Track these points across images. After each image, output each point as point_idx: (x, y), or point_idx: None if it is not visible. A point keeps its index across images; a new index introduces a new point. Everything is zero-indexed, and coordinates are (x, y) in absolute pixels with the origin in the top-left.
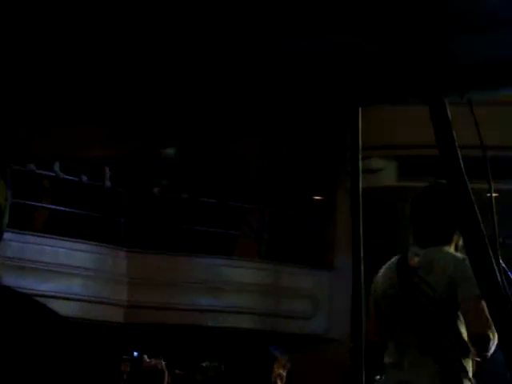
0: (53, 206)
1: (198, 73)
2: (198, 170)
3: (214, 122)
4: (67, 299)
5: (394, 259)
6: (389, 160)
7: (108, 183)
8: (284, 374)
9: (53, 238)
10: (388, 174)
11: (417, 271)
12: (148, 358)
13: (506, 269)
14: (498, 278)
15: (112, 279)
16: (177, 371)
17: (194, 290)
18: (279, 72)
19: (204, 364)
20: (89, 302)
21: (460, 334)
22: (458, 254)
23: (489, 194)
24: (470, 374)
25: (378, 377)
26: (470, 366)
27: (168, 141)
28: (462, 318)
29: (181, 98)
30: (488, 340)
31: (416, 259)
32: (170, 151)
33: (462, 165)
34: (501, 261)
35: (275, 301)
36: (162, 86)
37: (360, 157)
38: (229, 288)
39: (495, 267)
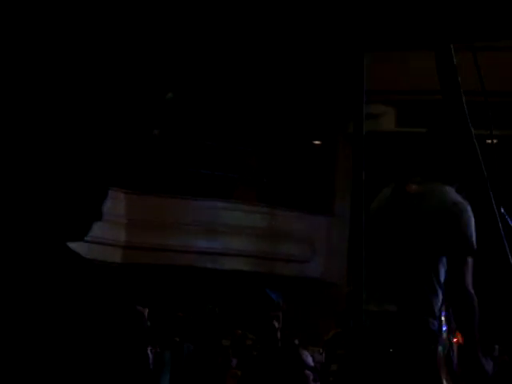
0: None
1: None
2: (198, 112)
3: (220, 64)
4: None
5: (390, 185)
6: (388, 105)
7: None
8: (280, 314)
9: None
10: (387, 120)
11: (413, 198)
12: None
13: (506, 214)
14: (499, 223)
15: (111, 220)
16: (180, 314)
17: (192, 231)
18: (287, 12)
19: (199, 306)
20: (87, 242)
21: (437, 274)
22: (460, 198)
23: (490, 141)
24: (440, 318)
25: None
26: (438, 306)
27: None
28: (444, 261)
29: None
30: (468, 297)
31: (415, 187)
32: (169, 94)
33: (466, 110)
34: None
35: (273, 244)
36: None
37: (364, 101)
38: (227, 230)
39: (496, 212)
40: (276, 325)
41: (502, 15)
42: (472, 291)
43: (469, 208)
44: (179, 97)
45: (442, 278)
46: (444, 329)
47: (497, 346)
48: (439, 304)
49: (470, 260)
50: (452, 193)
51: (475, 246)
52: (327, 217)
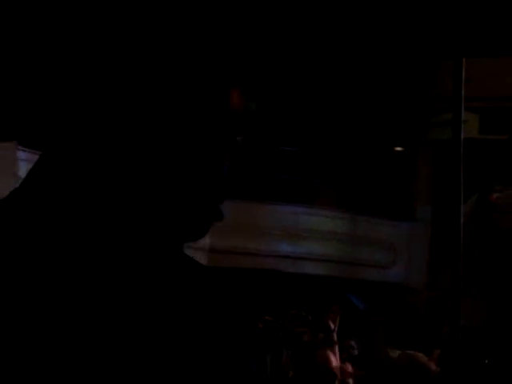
0: None
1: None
2: (279, 119)
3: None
4: None
5: (474, 196)
6: (471, 112)
7: None
8: (337, 317)
9: None
10: (471, 126)
11: (495, 207)
12: None
13: None
14: None
15: None
16: (266, 317)
17: (275, 236)
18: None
19: (292, 312)
20: None
21: None
22: None
23: None
24: None
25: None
26: None
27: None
28: None
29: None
30: None
31: (496, 195)
32: (252, 104)
33: None
34: None
35: (354, 249)
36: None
37: (462, 107)
38: (308, 236)
39: None
40: (332, 326)
41: None
42: None
43: None
44: (262, 104)
45: None
46: None
47: None
48: None
49: None
50: None
51: None
52: (408, 222)
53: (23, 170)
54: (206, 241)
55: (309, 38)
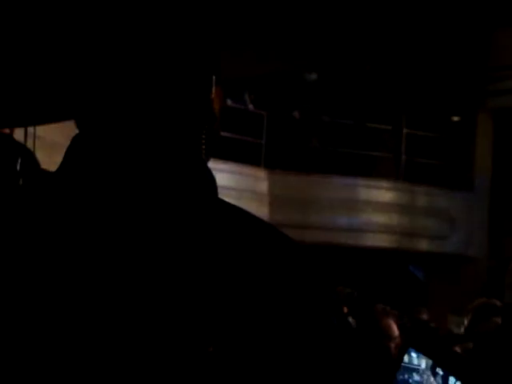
0: None
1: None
2: (336, 92)
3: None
4: None
5: None
6: None
7: (251, 106)
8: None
9: None
10: None
11: None
12: None
13: None
14: None
15: (254, 198)
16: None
17: (333, 209)
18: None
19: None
20: None
21: None
22: None
23: None
24: None
25: None
26: None
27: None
28: None
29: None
30: None
31: None
32: (313, 76)
33: None
34: None
35: (413, 220)
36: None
37: None
38: (367, 208)
39: None
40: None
41: None
42: None
43: None
44: (319, 77)
45: None
46: None
47: None
48: None
49: None
50: None
51: None
52: (467, 192)
53: None
54: (263, 214)
55: (363, 12)
